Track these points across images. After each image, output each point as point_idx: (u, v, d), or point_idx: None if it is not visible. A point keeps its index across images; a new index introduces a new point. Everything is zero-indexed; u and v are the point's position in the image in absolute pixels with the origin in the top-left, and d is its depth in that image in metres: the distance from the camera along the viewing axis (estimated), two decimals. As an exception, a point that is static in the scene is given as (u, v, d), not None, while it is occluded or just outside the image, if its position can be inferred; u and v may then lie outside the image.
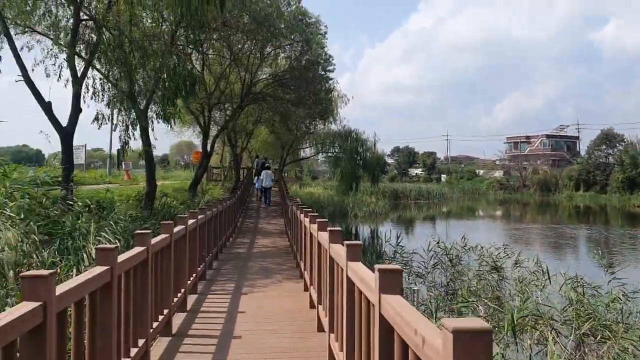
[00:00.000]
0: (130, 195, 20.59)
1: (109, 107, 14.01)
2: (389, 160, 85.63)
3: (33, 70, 14.49)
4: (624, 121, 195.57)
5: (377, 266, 2.74)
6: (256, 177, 28.65)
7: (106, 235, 11.49)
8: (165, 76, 13.30)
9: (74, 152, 34.05)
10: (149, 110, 14.91)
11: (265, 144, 43.28)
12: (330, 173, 73.74)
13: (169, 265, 6.35)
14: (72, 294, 3.00)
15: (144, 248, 4.97)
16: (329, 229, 5.43)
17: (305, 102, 25.42)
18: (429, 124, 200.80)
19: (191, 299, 7.96)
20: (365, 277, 3.20)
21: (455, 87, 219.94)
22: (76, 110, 14.98)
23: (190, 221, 8.49)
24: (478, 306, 9.53)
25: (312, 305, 7.17)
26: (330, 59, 25.49)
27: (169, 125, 15.42)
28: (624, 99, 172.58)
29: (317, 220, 6.68)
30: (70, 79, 14.57)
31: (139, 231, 5.43)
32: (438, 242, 15.59)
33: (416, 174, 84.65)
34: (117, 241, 11.26)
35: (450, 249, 14.72)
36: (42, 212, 11.44)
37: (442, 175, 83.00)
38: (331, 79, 25.92)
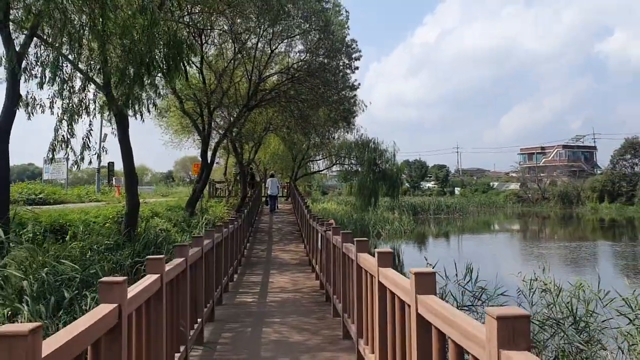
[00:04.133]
0: (108, 216, 15.82)
1: (51, 85, 9.06)
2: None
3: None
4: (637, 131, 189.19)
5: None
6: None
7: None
8: (132, 41, 8.48)
9: (49, 166, 29.44)
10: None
11: (274, 156, 38.41)
12: (341, 187, 69.33)
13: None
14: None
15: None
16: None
17: (326, 100, 20.53)
18: (436, 137, 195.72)
19: None
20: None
21: (462, 100, 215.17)
22: (13, 98, 10.23)
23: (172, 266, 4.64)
24: None
25: None
26: (355, 44, 20.61)
27: (135, 116, 10.46)
28: (635, 109, 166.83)
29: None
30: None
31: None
32: (532, 281, 10.60)
33: (428, 187, 79.54)
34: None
35: (559, 294, 9.69)
36: None
37: (456, 188, 77.91)
38: (357, 68, 20.99)
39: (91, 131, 9.14)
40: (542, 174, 75.51)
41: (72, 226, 13.53)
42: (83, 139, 9.10)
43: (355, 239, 5.69)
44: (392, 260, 4.12)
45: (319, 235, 10.29)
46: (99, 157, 9.71)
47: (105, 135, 28.68)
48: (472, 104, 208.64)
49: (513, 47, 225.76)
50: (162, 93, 10.86)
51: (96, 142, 9.87)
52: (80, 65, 9.29)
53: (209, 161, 21.53)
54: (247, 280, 11.26)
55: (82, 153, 9.28)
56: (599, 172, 75.42)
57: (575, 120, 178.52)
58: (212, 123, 21.76)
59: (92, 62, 8.82)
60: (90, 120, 10.92)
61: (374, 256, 4.30)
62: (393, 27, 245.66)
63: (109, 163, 32.08)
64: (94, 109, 9.62)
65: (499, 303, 9.80)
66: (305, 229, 15.18)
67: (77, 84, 9.41)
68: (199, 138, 23.33)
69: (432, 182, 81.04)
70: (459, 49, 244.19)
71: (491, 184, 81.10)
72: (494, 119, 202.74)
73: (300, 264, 13.43)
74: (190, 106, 21.14)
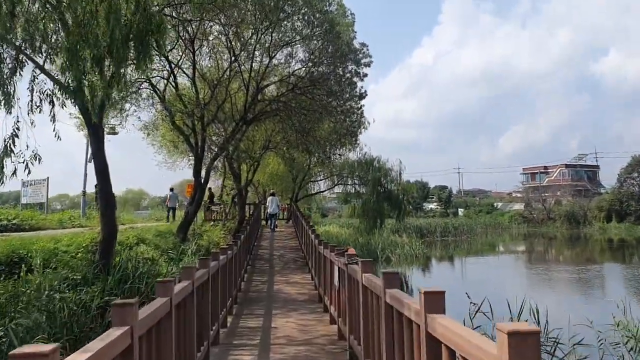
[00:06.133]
0: (81, 244, 13.41)
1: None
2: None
3: None
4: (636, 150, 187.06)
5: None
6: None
7: None
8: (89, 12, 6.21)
9: (28, 189, 26.96)
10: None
11: (274, 177, 36.01)
12: (341, 209, 66.91)
13: None
14: None
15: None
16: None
17: (330, 112, 18.22)
18: (433, 158, 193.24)
19: None
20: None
21: (460, 120, 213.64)
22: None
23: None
24: None
25: None
26: (365, 48, 18.35)
27: (94, 111, 7.98)
28: (629, 128, 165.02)
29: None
30: None
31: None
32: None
33: (431, 208, 77.00)
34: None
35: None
36: None
37: (459, 209, 75.40)
38: (365, 75, 18.66)
39: (18, 130, 6.70)
40: (545, 194, 73.27)
41: (33, 257, 11.11)
42: (5, 141, 6.66)
43: (425, 291, 3.31)
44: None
45: (336, 268, 7.92)
46: (27, 167, 7.17)
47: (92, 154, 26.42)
48: (469, 124, 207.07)
49: (509, 67, 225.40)
50: (129, 82, 8.45)
51: (35, 149, 7.25)
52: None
53: (202, 181, 19.19)
54: (244, 326, 8.81)
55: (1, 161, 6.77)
56: (603, 191, 73.24)
57: (571, 138, 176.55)
58: (206, 139, 19.47)
59: (32, 38, 6.50)
60: (17, 117, 8.31)
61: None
62: (390, 49, 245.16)
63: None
64: (34, 102, 7.17)
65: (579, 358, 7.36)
66: (313, 257, 12.79)
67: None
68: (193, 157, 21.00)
69: (435, 204, 78.55)
70: (455, 69, 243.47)
71: (495, 204, 78.71)
72: (492, 139, 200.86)
73: (310, 301, 11.00)
74: (181, 120, 18.89)
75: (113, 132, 24.69)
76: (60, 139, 7.64)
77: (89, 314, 9.08)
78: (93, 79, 6.54)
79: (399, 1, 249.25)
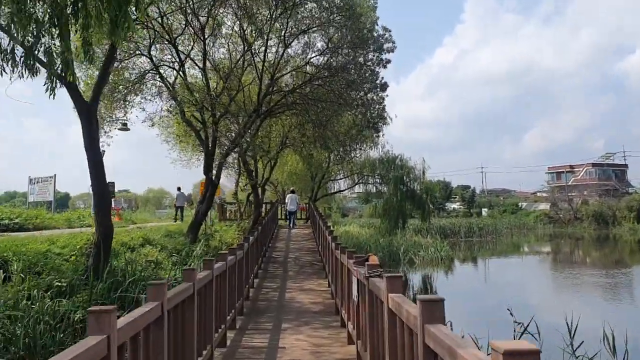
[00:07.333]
0: (76, 246, 12.20)
1: None
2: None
3: None
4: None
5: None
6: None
7: None
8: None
9: (35, 187, 25.86)
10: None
11: (292, 176, 34.62)
12: (362, 209, 65.25)
13: None
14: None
15: None
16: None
17: (350, 104, 16.75)
18: (455, 158, 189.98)
19: None
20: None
21: (482, 119, 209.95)
22: None
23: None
24: None
25: None
26: (387, 34, 16.80)
27: (52, 84, 6.59)
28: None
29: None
30: None
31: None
32: None
33: (453, 208, 74.91)
34: None
35: None
36: None
37: (483, 209, 73.21)
38: (388, 61, 17.06)
39: None
40: (572, 194, 70.76)
41: (15, 261, 9.86)
42: None
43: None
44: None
45: (354, 278, 6.49)
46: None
47: (103, 152, 25.35)
48: (491, 123, 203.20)
49: (531, 66, 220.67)
50: (96, 53, 7.00)
51: None
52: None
53: (213, 178, 17.91)
54: (247, 345, 7.41)
55: None
56: (632, 190, 70.50)
57: (597, 137, 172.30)
58: (218, 134, 18.18)
59: None
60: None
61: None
62: (412, 48, 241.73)
63: (108, 183, 28.55)
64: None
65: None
66: (330, 261, 11.37)
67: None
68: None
69: (458, 203, 76.47)
70: (477, 68, 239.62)
71: (519, 204, 76.36)
72: (514, 138, 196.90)
73: (324, 312, 9.58)
74: (190, 114, 17.62)
75: (125, 128, 23.59)
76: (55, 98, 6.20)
77: (67, 328, 7.80)
78: (50, 42, 5.23)
79: (420, 1, 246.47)
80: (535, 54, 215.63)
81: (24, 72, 5.42)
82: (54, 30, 5.14)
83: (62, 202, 69.25)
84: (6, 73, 5.42)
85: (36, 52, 5.46)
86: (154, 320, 3.78)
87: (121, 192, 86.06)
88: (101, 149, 24.30)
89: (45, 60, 5.64)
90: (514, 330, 8.94)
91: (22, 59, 5.31)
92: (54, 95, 5.55)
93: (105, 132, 20.68)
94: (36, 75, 5.69)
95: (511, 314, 9.24)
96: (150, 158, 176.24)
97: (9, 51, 5.24)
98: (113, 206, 25.08)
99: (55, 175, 22.22)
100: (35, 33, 4.98)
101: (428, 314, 2.64)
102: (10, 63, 5.28)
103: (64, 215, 21.40)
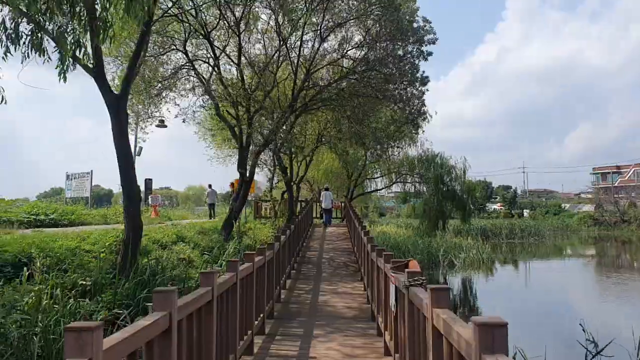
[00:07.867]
0: (104, 245, 11.91)
1: None
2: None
3: None
4: None
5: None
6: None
7: None
8: None
9: (72, 182, 25.97)
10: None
11: (328, 174, 34.04)
12: (400, 209, 64.14)
13: None
14: None
15: None
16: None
17: (388, 98, 16.05)
18: (495, 157, 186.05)
19: None
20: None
21: (524, 118, 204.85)
22: None
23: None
24: None
25: None
26: (428, 25, 16.00)
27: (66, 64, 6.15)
28: None
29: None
30: None
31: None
32: None
33: (494, 209, 72.97)
34: None
35: None
36: None
37: (524, 210, 71.07)
38: (430, 54, 16.26)
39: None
40: (618, 195, 67.98)
41: (39, 258, 9.58)
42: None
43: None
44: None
45: (391, 286, 5.85)
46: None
47: (141, 148, 25.36)
48: (534, 122, 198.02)
49: (576, 64, 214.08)
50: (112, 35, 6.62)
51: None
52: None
53: (247, 174, 17.50)
54: (275, 354, 6.85)
55: None
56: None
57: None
58: (252, 130, 17.76)
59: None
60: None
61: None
62: (453, 45, 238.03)
63: (146, 179, 28.58)
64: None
65: None
66: (366, 263, 10.74)
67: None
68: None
69: (498, 204, 74.48)
70: (520, 66, 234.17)
71: (562, 205, 73.89)
72: (558, 138, 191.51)
73: (359, 318, 8.97)
74: (225, 110, 17.26)
75: (162, 125, 23.49)
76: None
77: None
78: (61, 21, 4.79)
79: (462, 1, 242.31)
80: (581, 51, 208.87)
81: (29, 53, 5.00)
82: (64, 7, 4.70)
83: (106, 198, 70.79)
84: (11, 54, 5.01)
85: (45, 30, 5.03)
86: (160, 334, 3.26)
87: (162, 189, 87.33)
88: (139, 145, 24.28)
89: (54, 38, 5.21)
90: (586, 350, 7.96)
91: (29, 37, 4.91)
92: (65, 78, 5.12)
93: (141, 128, 20.59)
94: (43, 54, 5.28)
95: (583, 329, 8.32)
96: (193, 157, 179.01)
97: (10, 28, 4.82)
98: (151, 203, 25.10)
99: (92, 171, 22.30)
100: (42, 11, 4.54)
101: (486, 341, 2.19)
102: (12, 42, 4.86)
103: (100, 211, 21.37)
